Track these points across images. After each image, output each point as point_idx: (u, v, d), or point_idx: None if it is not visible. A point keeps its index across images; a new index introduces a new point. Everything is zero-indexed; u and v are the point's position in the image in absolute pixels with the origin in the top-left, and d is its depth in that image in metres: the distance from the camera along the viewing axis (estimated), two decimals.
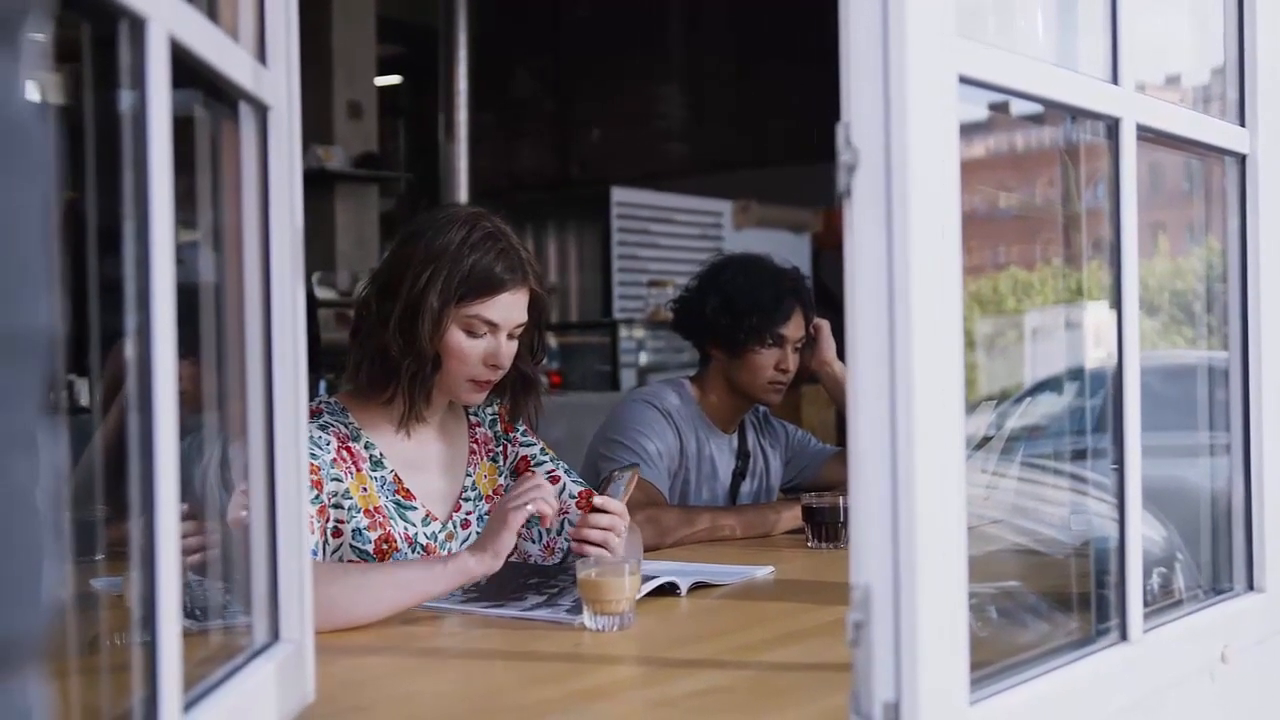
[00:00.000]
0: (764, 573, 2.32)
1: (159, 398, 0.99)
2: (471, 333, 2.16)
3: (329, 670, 1.49)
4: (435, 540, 2.22)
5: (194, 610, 1.33)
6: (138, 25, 0.97)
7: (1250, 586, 1.79)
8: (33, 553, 0.54)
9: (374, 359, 2.18)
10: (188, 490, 1.07)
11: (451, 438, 2.32)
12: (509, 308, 2.17)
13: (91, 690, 1.18)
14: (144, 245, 0.98)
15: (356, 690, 1.58)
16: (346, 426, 2.19)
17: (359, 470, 2.16)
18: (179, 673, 1.01)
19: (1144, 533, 1.54)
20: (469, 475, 2.31)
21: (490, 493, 2.33)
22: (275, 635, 1.35)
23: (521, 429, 2.40)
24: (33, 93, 0.58)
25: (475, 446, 2.34)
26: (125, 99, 1.00)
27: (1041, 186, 2.04)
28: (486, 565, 1.94)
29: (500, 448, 2.37)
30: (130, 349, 0.99)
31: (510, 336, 2.19)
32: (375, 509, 2.15)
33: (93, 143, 1.02)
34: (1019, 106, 1.52)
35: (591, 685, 1.62)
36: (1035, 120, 1.73)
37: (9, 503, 0.53)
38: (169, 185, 1.01)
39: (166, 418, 1.00)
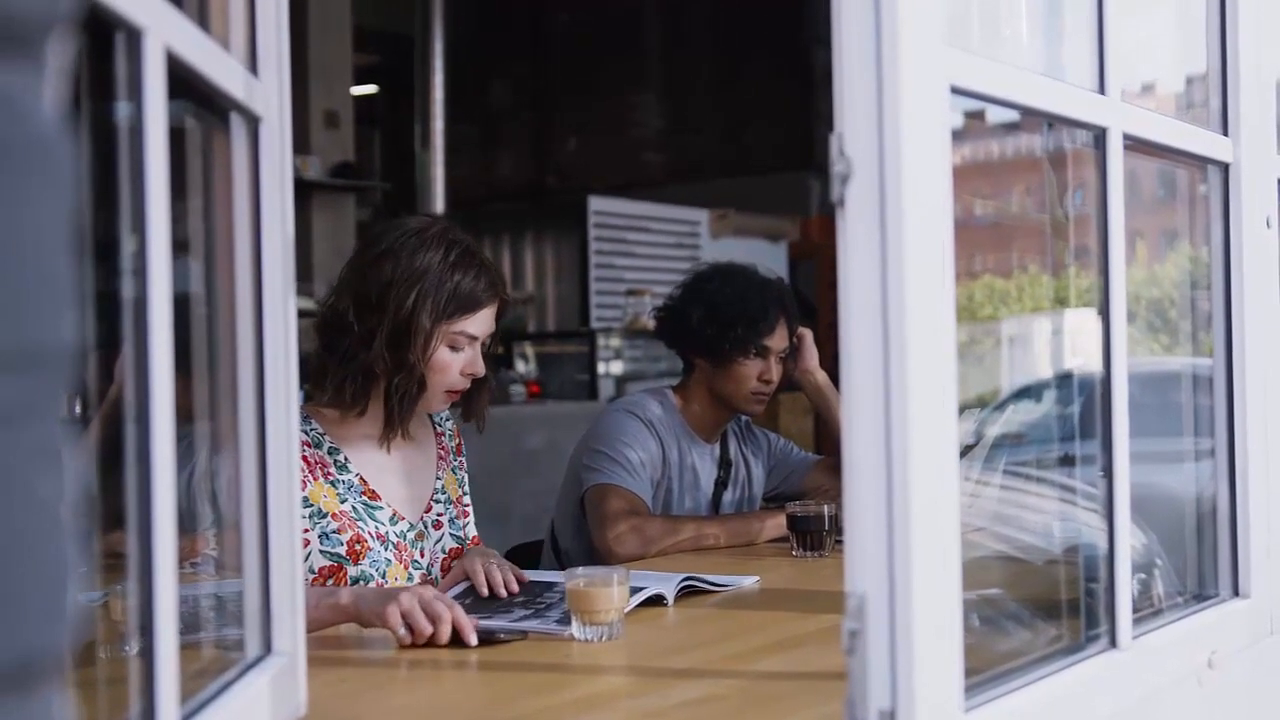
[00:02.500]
0: (750, 582, 2.32)
1: (156, 409, 0.98)
2: (454, 347, 2.23)
3: (321, 683, 1.49)
4: (405, 539, 2.27)
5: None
6: (135, 36, 0.97)
7: (1236, 593, 1.80)
8: (58, 567, 0.54)
9: (357, 376, 2.21)
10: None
11: (419, 443, 2.38)
12: (487, 320, 2.27)
13: (85, 704, 1.18)
14: (141, 256, 0.98)
15: (348, 703, 1.58)
16: (308, 433, 2.22)
17: (317, 479, 2.20)
18: (176, 686, 1.00)
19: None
20: (439, 479, 2.38)
21: (455, 499, 2.41)
22: (268, 648, 1.34)
23: (463, 456, 2.49)
24: (56, 105, 0.58)
25: (443, 453, 2.41)
26: (121, 110, 0.99)
27: (1018, 194, 2.05)
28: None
29: (458, 461, 2.46)
30: (126, 361, 0.99)
31: (483, 345, 2.28)
32: (341, 512, 2.19)
33: (87, 153, 1.01)
34: (995, 114, 1.53)
35: (582, 695, 1.62)
36: (1011, 128, 1.74)
37: (35, 517, 0.53)
38: (165, 196, 1.00)
39: (163, 429, 0.99)
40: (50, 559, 0.54)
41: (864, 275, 1.16)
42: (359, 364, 2.20)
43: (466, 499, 2.46)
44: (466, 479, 2.48)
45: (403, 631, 1.81)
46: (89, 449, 2.18)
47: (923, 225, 1.16)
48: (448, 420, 2.45)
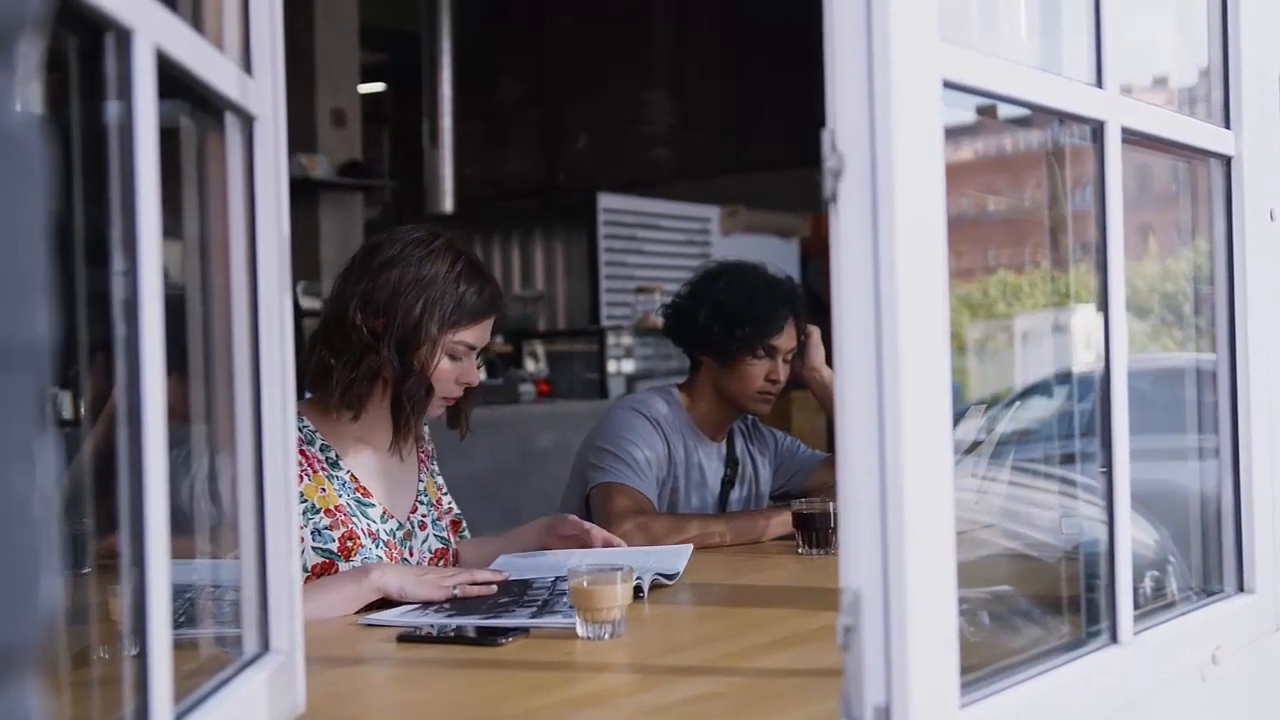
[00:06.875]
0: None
1: (147, 410, 0.99)
2: (453, 356, 2.28)
3: (319, 681, 1.49)
4: (394, 537, 2.31)
5: (179, 619, 1.32)
6: (124, 36, 0.97)
7: (1240, 588, 1.79)
8: (31, 562, 0.55)
9: (363, 380, 2.24)
10: (175, 503, 1.07)
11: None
12: (486, 332, 2.32)
13: (80, 703, 1.18)
14: (132, 257, 0.98)
15: (346, 701, 1.58)
16: (301, 430, 2.24)
17: (315, 473, 2.24)
18: (170, 684, 1.01)
19: (1136, 536, 1.55)
20: (420, 481, 2.43)
21: (435, 502, 2.46)
22: (265, 646, 1.35)
23: (435, 463, 2.54)
24: (28, 104, 0.59)
25: (423, 457, 2.47)
26: (111, 110, 0.99)
27: (1030, 189, 2.04)
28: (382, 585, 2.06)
29: (434, 467, 2.51)
30: (117, 361, 0.99)
31: (478, 356, 2.34)
32: (336, 508, 2.23)
33: (78, 153, 1.01)
34: (1006, 110, 1.53)
35: (584, 693, 1.62)
36: (1023, 123, 1.74)
37: (7, 512, 0.53)
38: (156, 196, 1.00)
39: (155, 430, 0.99)
40: (23, 555, 0.55)
41: (856, 272, 1.15)
42: (365, 368, 2.23)
43: (447, 499, 2.50)
44: (442, 481, 2.52)
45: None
46: (90, 451, 2.19)
47: (915, 221, 1.16)
48: (425, 427, 2.49)
